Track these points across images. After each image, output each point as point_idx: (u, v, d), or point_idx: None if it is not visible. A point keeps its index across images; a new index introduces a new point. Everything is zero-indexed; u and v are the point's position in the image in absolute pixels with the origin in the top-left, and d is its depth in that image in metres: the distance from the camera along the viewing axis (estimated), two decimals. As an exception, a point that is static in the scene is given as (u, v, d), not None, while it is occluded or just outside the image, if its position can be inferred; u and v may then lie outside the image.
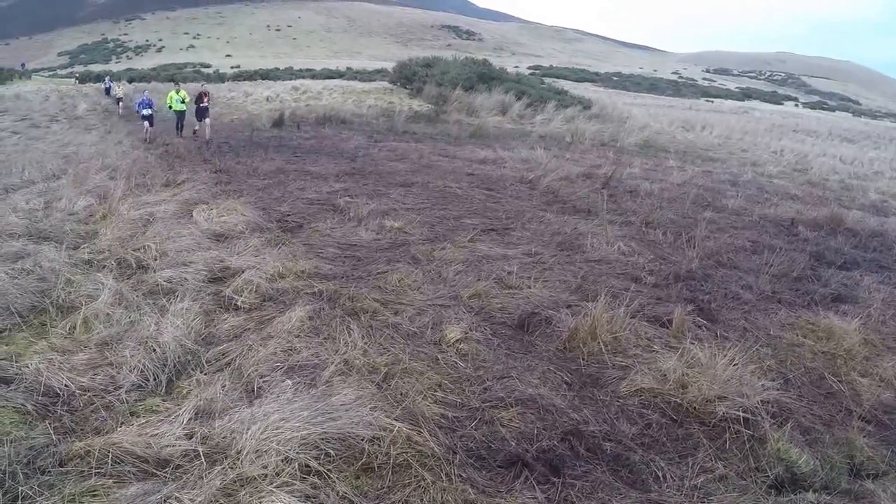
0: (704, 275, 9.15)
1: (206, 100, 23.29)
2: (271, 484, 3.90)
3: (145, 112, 22.29)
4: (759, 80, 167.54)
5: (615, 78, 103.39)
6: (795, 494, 4.53)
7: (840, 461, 5.01)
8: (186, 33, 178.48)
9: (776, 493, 4.56)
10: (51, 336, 5.99)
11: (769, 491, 4.59)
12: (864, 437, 5.36)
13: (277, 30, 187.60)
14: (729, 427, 5.23)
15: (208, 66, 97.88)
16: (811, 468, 4.82)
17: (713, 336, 6.98)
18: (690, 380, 5.70)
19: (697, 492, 4.49)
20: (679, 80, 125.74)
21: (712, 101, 78.79)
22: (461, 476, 4.26)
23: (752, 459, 4.91)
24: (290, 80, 60.01)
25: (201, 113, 23.13)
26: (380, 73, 58.66)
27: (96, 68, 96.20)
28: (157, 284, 7.25)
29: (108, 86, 47.23)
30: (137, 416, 4.71)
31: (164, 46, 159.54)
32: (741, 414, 5.30)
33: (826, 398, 6.07)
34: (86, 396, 4.96)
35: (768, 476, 4.73)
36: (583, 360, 6.21)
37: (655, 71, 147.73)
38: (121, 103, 33.45)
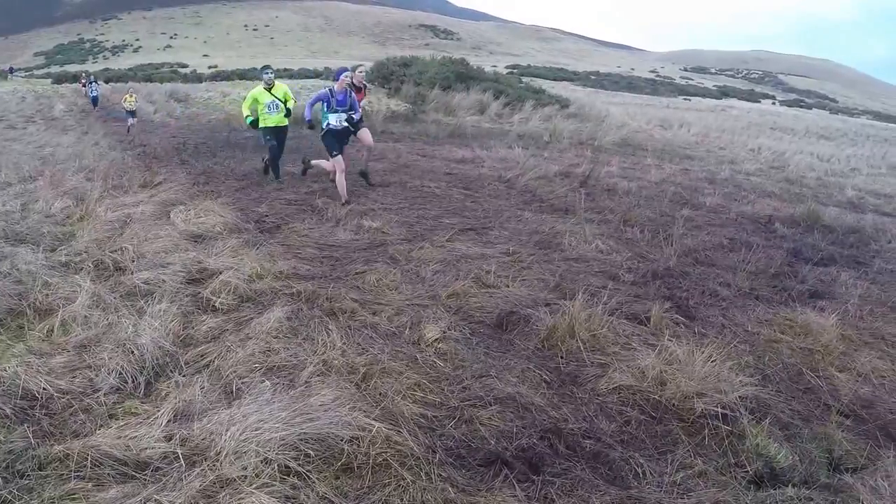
0: (682, 272, 9.19)
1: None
2: (251, 485, 3.89)
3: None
4: (737, 78, 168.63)
5: (593, 77, 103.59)
6: (775, 489, 4.55)
7: (819, 455, 5.04)
8: (164, 33, 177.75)
9: (756, 488, 4.59)
10: (28, 339, 5.95)
11: (749, 486, 4.61)
12: (843, 431, 5.41)
13: (255, 29, 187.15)
14: (708, 423, 5.25)
15: (185, 65, 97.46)
16: (790, 463, 4.85)
17: (691, 333, 6.99)
18: (669, 377, 5.72)
19: (677, 488, 4.50)
20: (657, 78, 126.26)
21: (690, 100, 79.09)
22: (441, 475, 4.26)
23: (732, 455, 4.94)
24: (269, 79, 59.68)
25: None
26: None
27: (73, 68, 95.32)
28: (135, 286, 7.21)
29: (93, 93, 36.58)
30: (116, 419, 4.69)
31: (140, 46, 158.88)
32: (720, 410, 5.32)
33: (804, 393, 6.11)
34: (64, 399, 4.93)
35: (747, 471, 4.75)
36: (561, 358, 6.22)
37: (633, 70, 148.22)
38: (133, 120, 26.60)
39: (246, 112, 14.05)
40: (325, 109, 12.22)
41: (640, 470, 4.66)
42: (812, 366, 6.56)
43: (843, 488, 4.61)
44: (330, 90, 12.23)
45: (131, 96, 27.95)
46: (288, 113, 14.31)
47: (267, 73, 14.17)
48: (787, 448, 5.04)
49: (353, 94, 12.72)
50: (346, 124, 12.38)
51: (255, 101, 14.03)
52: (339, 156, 12.23)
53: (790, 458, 4.91)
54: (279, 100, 14.05)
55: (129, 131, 24.81)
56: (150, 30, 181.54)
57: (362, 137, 13.48)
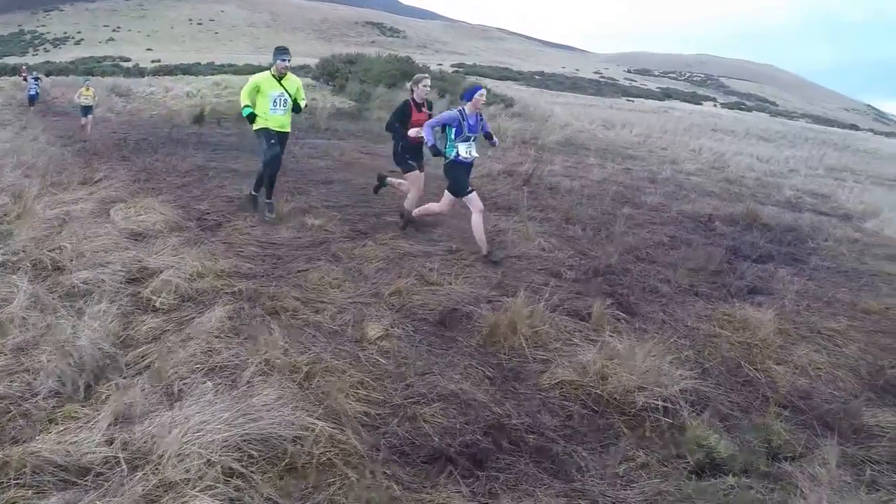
0: (623, 269, 9.32)
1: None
2: (195, 488, 3.85)
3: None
4: (680, 80, 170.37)
5: (538, 77, 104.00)
6: (716, 478, 4.67)
7: (758, 445, 5.19)
8: (106, 26, 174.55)
9: (697, 478, 4.70)
10: (-37, 342, 5.83)
11: (690, 476, 4.72)
12: (781, 421, 5.57)
13: (199, 24, 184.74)
14: (649, 416, 5.36)
15: (128, 59, 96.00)
16: (730, 453, 4.97)
17: (632, 329, 7.13)
18: (610, 371, 5.81)
19: (620, 480, 4.59)
20: (601, 79, 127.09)
21: (633, 101, 79.68)
22: (385, 473, 4.28)
23: (673, 447, 5.04)
24: (212, 75, 59.02)
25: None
26: (302, 70, 58.03)
27: (12, 61, 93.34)
28: (74, 286, 7.07)
29: (31, 91, 31.49)
30: (56, 424, 4.59)
31: (83, 39, 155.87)
32: (661, 403, 5.43)
33: (743, 386, 6.26)
34: (2, 405, 4.82)
35: (689, 462, 4.87)
36: (504, 354, 6.29)
37: (577, 70, 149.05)
38: (89, 117, 23.34)
39: (245, 101, 10.71)
40: (454, 136, 9.51)
41: (583, 463, 4.74)
42: (750, 359, 6.71)
43: (782, 476, 4.75)
44: (461, 112, 9.52)
45: (88, 90, 24.14)
46: (297, 110, 11.19)
47: (283, 58, 10.67)
48: (727, 439, 5.17)
49: (482, 117, 9.95)
50: (476, 155, 9.77)
51: (258, 90, 10.72)
52: (475, 193, 9.61)
53: (730, 448, 5.04)
54: (289, 95, 10.88)
55: (84, 129, 22.35)
56: (93, 22, 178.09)
57: None
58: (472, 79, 51.14)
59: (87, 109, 23.33)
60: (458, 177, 9.54)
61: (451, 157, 9.52)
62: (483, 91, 9.74)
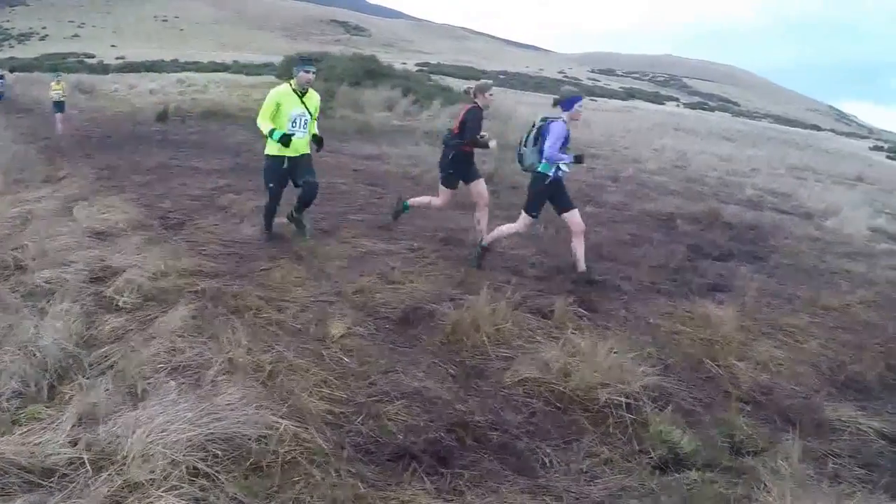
0: (586, 267, 9.35)
1: None
2: (159, 488, 3.83)
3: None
4: (643, 80, 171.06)
5: (502, 76, 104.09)
6: (679, 473, 4.72)
7: (721, 440, 5.25)
8: (72, 21, 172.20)
9: (661, 473, 4.74)
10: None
11: (654, 471, 4.76)
12: (743, 416, 5.64)
13: (165, 21, 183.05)
14: (612, 412, 5.38)
15: (92, 56, 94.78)
16: (693, 448, 5.02)
17: (594, 326, 7.17)
18: (573, 368, 5.83)
19: (584, 475, 4.62)
20: (565, 79, 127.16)
21: (596, 101, 79.92)
22: (350, 471, 4.28)
23: (636, 442, 5.08)
24: (176, 72, 58.74)
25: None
26: (267, 68, 57.82)
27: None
28: (36, 285, 7.02)
29: None
30: (19, 425, 4.54)
31: (48, 35, 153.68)
32: (623, 399, 5.46)
33: (705, 382, 6.33)
34: (-35, 407, 4.79)
35: (652, 457, 4.90)
36: (466, 352, 6.30)
37: (542, 70, 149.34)
38: (60, 115, 22.51)
39: (266, 124, 8.92)
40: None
41: (547, 459, 4.77)
42: (712, 356, 6.77)
43: (745, 470, 4.80)
44: (564, 123, 8.48)
45: (59, 84, 23.68)
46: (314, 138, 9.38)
47: (307, 69, 9.04)
48: (690, 434, 5.22)
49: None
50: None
51: (278, 108, 8.94)
52: (575, 210, 9.01)
53: (693, 443, 5.08)
54: (310, 114, 9.22)
55: (57, 127, 21.32)
56: (58, 17, 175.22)
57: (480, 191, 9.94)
58: (437, 78, 51.06)
59: (59, 105, 22.70)
60: (557, 193, 8.83)
61: (551, 175, 8.60)
62: (583, 101, 9.00)
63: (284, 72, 37.43)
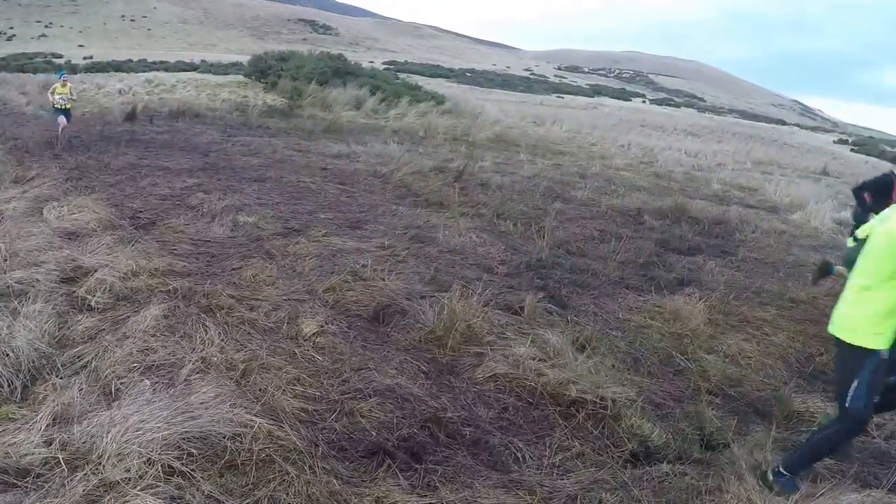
0: (554, 263, 9.44)
1: None
2: (135, 487, 3.85)
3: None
4: (609, 77, 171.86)
5: (469, 74, 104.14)
6: (651, 466, 4.82)
7: (691, 433, 5.35)
8: (38, 21, 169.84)
9: (632, 466, 4.84)
10: None
11: (625, 464, 4.86)
12: (713, 409, 5.75)
13: (132, 20, 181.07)
14: (583, 407, 5.45)
15: (60, 56, 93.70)
16: (664, 441, 5.14)
17: (564, 321, 7.22)
18: (544, 364, 5.90)
19: (556, 469, 4.71)
20: (531, 76, 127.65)
21: (563, 98, 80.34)
22: (325, 468, 4.32)
23: (608, 436, 5.18)
24: (144, 72, 58.04)
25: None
26: (235, 67, 57.48)
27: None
28: (8, 286, 6.97)
29: None
30: (-6, 426, 4.56)
31: (15, 35, 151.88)
32: (592, 395, 5.52)
33: (675, 375, 6.45)
34: (-60, 409, 4.78)
35: (624, 450, 5.01)
36: (438, 348, 6.36)
37: (508, 68, 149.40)
38: (63, 120, 18.36)
39: None
40: None
41: (519, 454, 4.84)
42: (681, 349, 6.90)
43: (715, 462, 4.90)
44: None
45: (64, 86, 19.24)
46: None
47: None
48: (661, 427, 5.32)
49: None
50: None
51: None
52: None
53: (664, 436, 5.20)
54: None
55: (59, 137, 18.20)
56: (25, 17, 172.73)
57: None
58: (404, 76, 51.00)
59: (63, 113, 18.94)
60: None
61: None
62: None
63: (253, 70, 37.36)
